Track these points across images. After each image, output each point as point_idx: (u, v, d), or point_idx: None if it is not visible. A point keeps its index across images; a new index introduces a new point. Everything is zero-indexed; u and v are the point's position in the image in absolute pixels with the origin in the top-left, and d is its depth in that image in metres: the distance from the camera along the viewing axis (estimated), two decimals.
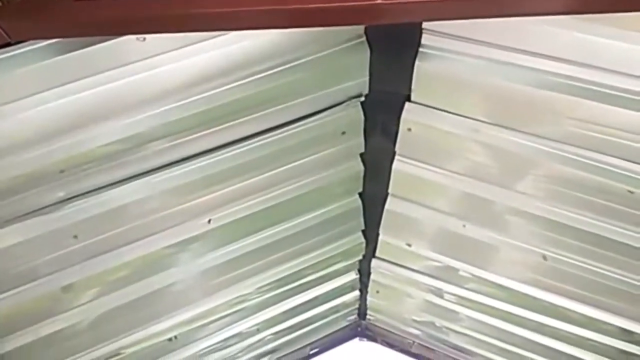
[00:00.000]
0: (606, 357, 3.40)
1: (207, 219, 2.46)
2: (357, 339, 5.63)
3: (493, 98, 2.03)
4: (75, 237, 2.17)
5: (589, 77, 1.77)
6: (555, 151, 2.10)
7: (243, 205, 2.50)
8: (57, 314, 2.53)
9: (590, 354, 3.46)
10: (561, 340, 3.46)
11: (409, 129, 2.32)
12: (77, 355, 2.90)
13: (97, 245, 2.26)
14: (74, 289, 2.46)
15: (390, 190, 2.79)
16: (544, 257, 2.70)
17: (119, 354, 3.22)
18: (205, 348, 3.85)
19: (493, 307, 3.43)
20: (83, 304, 2.56)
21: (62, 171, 1.89)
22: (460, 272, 3.24)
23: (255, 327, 3.98)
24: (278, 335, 4.38)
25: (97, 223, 2.16)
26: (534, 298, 3.04)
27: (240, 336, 3.99)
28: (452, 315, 3.93)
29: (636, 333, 2.89)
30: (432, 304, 3.87)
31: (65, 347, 2.80)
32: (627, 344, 3.12)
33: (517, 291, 3.07)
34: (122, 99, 1.74)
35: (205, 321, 3.46)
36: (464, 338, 4.24)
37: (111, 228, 2.22)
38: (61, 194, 1.99)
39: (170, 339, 3.48)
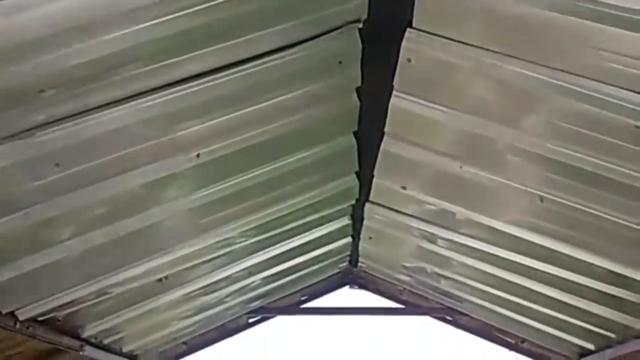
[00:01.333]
0: (598, 302, 3.42)
1: (195, 153, 2.36)
2: (347, 287, 5.69)
3: (503, 24, 1.91)
4: (57, 165, 2.07)
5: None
6: (562, 84, 1.99)
7: (232, 140, 2.40)
8: (41, 249, 2.46)
9: (582, 300, 3.48)
10: (553, 286, 3.46)
11: (409, 60, 2.20)
12: (63, 293, 2.87)
13: (81, 176, 2.16)
14: (56, 223, 2.38)
15: (386, 129, 2.69)
16: (541, 199, 2.64)
17: (106, 292, 3.19)
18: (196, 290, 3.84)
19: (486, 253, 3.41)
20: (67, 240, 2.49)
21: (41, 91, 1.77)
22: (456, 216, 3.18)
23: (246, 271, 3.97)
24: (269, 279, 4.38)
25: (80, 151, 2.06)
26: (528, 242, 3.00)
27: (231, 279, 3.98)
28: (444, 262, 3.92)
29: (629, 278, 2.88)
30: (425, 250, 3.85)
31: (50, 284, 2.75)
32: (619, 289, 3.12)
33: (511, 235, 3.03)
34: (100, 11, 1.60)
35: (195, 262, 3.42)
36: (456, 284, 4.25)
37: (95, 157, 2.12)
38: (41, 118, 1.88)
39: (159, 280, 3.45)
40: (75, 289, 2.89)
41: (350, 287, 5.60)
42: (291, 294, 5.04)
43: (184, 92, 2.01)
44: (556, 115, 2.19)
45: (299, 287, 4.98)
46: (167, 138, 2.19)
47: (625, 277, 2.93)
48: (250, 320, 5.34)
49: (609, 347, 4.00)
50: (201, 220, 2.90)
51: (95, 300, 3.22)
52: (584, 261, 2.94)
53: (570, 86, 1.98)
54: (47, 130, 1.92)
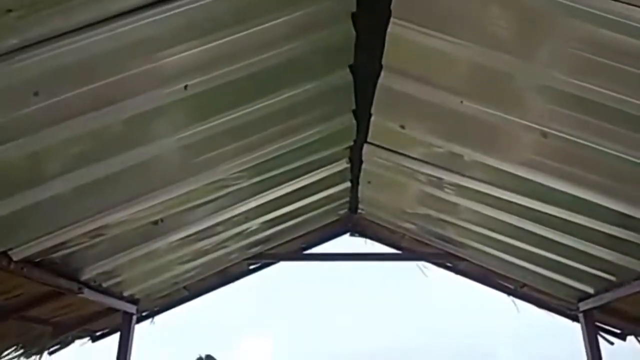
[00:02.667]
0: (600, 244, 3.37)
1: (183, 84, 2.25)
2: (348, 234, 5.68)
3: None
4: (37, 94, 1.97)
5: None
6: (571, 3, 1.86)
7: (220, 72, 2.28)
8: (28, 186, 2.39)
9: (584, 242, 3.43)
10: (555, 229, 3.41)
11: None
12: (55, 233, 2.82)
13: (63, 107, 2.07)
14: (41, 159, 2.30)
15: (384, 62, 2.57)
16: (544, 135, 2.54)
17: (101, 234, 3.16)
18: (193, 234, 3.81)
19: (488, 195, 3.32)
20: (54, 177, 2.41)
21: (9, 11, 1.66)
22: (457, 157, 3.09)
23: (244, 215, 3.92)
24: (268, 225, 4.34)
25: (60, 78, 1.96)
26: (532, 182, 2.91)
27: (229, 224, 3.94)
28: (445, 206, 3.86)
29: (634, 218, 2.81)
30: (426, 194, 3.78)
31: (42, 223, 2.71)
32: (622, 230, 3.06)
33: (514, 175, 2.94)
34: None
35: (190, 205, 3.37)
36: (457, 230, 4.21)
37: (76, 86, 2.02)
38: (14, 42, 1.77)
39: (155, 222, 3.41)
40: (68, 229, 2.84)
41: (351, 234, 5.59)
42: (291, 240, 5.03)
43: (166, 14, 1.89)
44: (564, 42, 2.05)
45: (299, 234, 4.96)
46: (153, 66, 2.08)
47: (630, 217, 2.86)
48: (252, 267, 5.38)
49: (607, 290, 4.00)
50: (193, 160, 2.82)
51: (90, 242, 3.19)
52: (588, 201, 2.87)
53: (579, 5, 1.85)
54: (23, 55, 1.81)
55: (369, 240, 5.57)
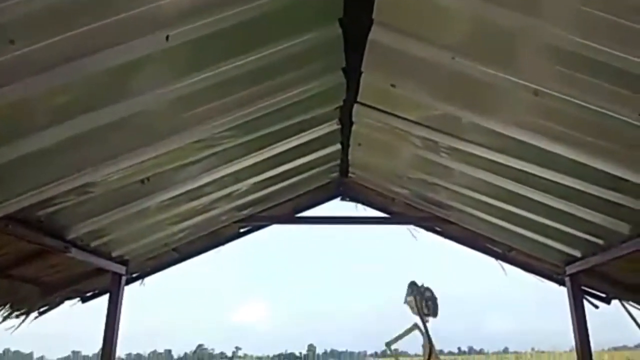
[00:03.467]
0: (590, 207, 3.38)
1: (164, 34, 2.18)
2: (338, 199, 5.66)
3: None
4: (12, 42, 1.90)
5: None
6: None
7: (204, 21, 2.21)
8: (6, 141, 2.33)
9: (573, 205, 3.43)
10: (546, 192, 3.40)
11: None
12: (39, 189, 2.76)
13: (42, 55, 1.99)
14: (21, 111, 2.24)
15: (375, 16, 2.49)
16: (538, 94, 2.49)
17: (87, 192, 3.12)
18: (182, 194, 3.77)
19: (479, 157, 3.29)
20: (35, 130, 2.35)
21: None
22: (449, 118, 3.04)
23: (233, 176, 3.88)
24: (258, 186, 4.31)
25: (38, 25, 1.88)
26: (523, 144, 2.89)
27: (217, 184, 3.90)
28: (434, 169, 3.84)
29: (624, 180, 2.80)
30: (416, 156, 3.75)
31: (24, 179, 2.65)
32: (612, 192, 3.06)
33: (508, 136, 2.90)
34: None
35: (178, 164, 3.32)
36: (447, 193, 4.19)
37: (53, 34, 1.94)
38: None
39: (142, 181, 3.37)
40: (52, 186, 2.78)
41: (342, 199, 5.57)
42: (282, 203, 5.01)
43: None
44: None
45: (290, 197, 4.94)
46: (132, 13, 2.00)
47: (621, 179, 2.85)
48: (242, 230, 5.36)
49: (594, 254, 4.03)
50: (180, 115, 2.76)
51: (76, 200, 3.16)
52: (581, 163, 2.85)
53: None
54: None
55: (360, 205, 5.56)
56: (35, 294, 4.53)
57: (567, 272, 4.45)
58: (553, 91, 2.45)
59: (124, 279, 4.63)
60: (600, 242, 3.80)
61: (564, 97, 2.44)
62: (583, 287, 4.71)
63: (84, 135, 2.52)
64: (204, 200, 4.07)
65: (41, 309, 4.86)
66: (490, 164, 3.36)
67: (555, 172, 3.12)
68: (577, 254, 4.18)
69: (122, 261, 4.49)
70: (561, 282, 4.81)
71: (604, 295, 4.89)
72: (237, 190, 4.17)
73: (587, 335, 4.47)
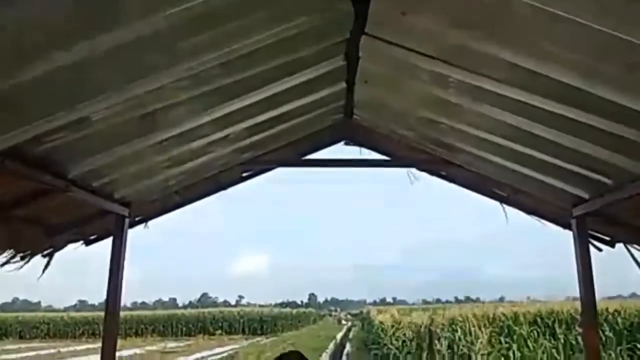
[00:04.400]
0: (600, 144, 3.29)
1: None
2: (342, 143, 5.57)
3: None
4: None
5: None
6: None
7: None
8: None
9: (582, 142, 3.34)
10: (556, 128, 3.30)
11: None
12: (34, 124, 2.67)
13: None
14: (12, 35, 2.12)
15: None
16: (556, 19, 2.35)
17: (85, 127, 3.03)
18: (182, 134, 3.68)
19: (493, 92, 3.17)
20: (27, 59, 2.24)
21: None
22: (459, 47, 2.91)
23: (233, 116, 3.77)
24: (259, 127, 4.20)
25: None
26: (541, 75, 2.75)
27: (218, 124, 3.80)
28: (445, 107, 3.73)
29: (635, 111, 2.70)
30: (425, 93, 3.63)
31: (17, 112, 2.56)
32: (624, 127, 2.96)
33: (523, 67, 2.77)
34: None
35: (179, 100, 3.21)
36: (454, 133, 4.10)
37: None
38: None
39: (143, 116, 3.27)
40: (48, 120, 2.69)
41: (346, 143, 5.48)
42: (284, 146, 4.93)
43: None
44: None
45: (292, 139, 4.85)
46: None
47: (635, 112, 2.75)
48: (244, 174, 5.30)
49: (602, 195, 3.98)
50: (178, 44, 2.63)
51: (74, 136, 3.07)
52: (593, 95, 2.74)
53: None
54: None
55: (364, 150, 5.47)
56: (39, 236, 4.52)
57: (574, 215, 4.41)
58: (573, 16, 2.31)
59: (127, 221, 4.61)
60: (609, 181, 3.74)
61: (583, 22, 2.30)
62: (589, 231, 4.68)
63: (80, 64, 2.41)
64: (204, 141, 3.98)
65: (45, 252, 4.87)
66: (501, 100, 3.24)
67: (565, 104, 3.01)
68: (585, 195, 4.13)
69: (125, 203, 4.45)
70: (566, 226, 4.79)
71: (608, 238, 4.87)
72: (237, 131, 4.07)
73: (592, 281, 4.47)
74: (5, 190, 3.51)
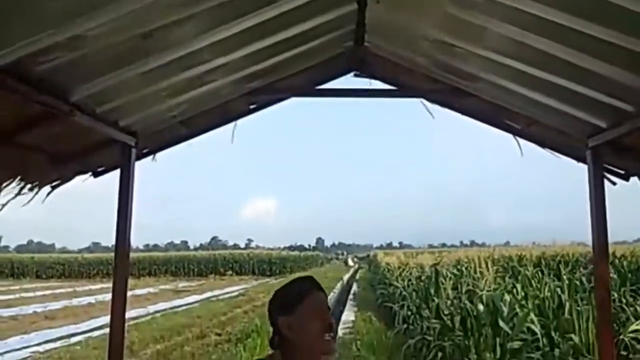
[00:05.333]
0: (622, 66, 3.13)
1: None
2: (351, 74, 5.39)
3: None
4: None
5: None
6: None
7: None
8: None
9: (604, 64, 3.18)
10: (576, 48, 3.14)
11: None
12: (30, 39, 2.56)
13: None
14: None
15: None
16: None
17: (84, 44, 2.91)
18: (185, 57, 3.54)
19: (518, 10, 2.98)
20: None
21: None
22: None
23: (237, 38, 3.61)
24: (265, 53, 4.04)
25: None
26: None
27: (222, 47, 3.65)
28: (465, 29, 3.54)
29: None
30: (443, 13, 3.44)
31: (10, 24, 2.44)
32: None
33: None
34: None
35: (181, 16, 3.06)
36: (475, 60, 3.91)
37: None
38: None
39: (144, 36, 3.14)
40: (45, 35, 2.58)
41: (355, 75, 5.31)
42: (291, 76, 4.78)
43: None
44: None
45: (300, 68, 4.69)
46: None
47: None
48: (252, 106, 5.18)
49: (620, 124, 3.84)
50: None
51: (74, 55, 2.96)
52: (618, 7, 2.56)
53: None
54: None
55: (373, 82, 5.30)
56: (45, 165, 4.49)
57: (589, 145, 4.29)
58: None
59: (134, 151, 4.55)
60: (630, 108, 3.59)
61: None
62: (604, 165, 4.57)
63: None
64: (208, 66, 3.85)
65: (53, 183, 4.86)
66: (524, 18, 3.06)
67: (588, 21, 2.83)
68: (603, 124, 3.99)
69: (131, 132, 4.38)
70: (581, 159, 4.68)
71: (623, 172, 4.77)
72: (242, 55, 3.91)
73: (605, 216, 4.37)
74: (9, 113, 3.44)
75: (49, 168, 4.57)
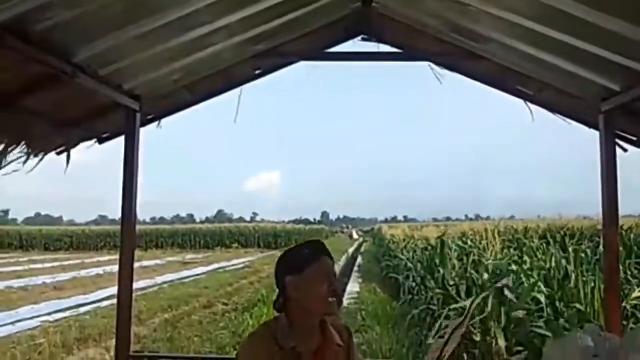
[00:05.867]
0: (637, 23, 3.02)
1: None
2: (359, 38, 5.27)
3: None
4: None
5: None
6: None
7: None
8: None
9: (619, 21, 3.07)
10: (602, 10, 3.02)
11: None
12: None
13: None
14: None
15: None
16: None
17: (75, 4, 2.83)
18: (187, 16, 3.46)
19: None
20: None
21: None
22: None
23: (240, 1, 3.52)
24: (268, 14, 3.93)
25: None
26: None
27: (225, 8, 3.56)
28: None
29: None
30: None
31: None
32: None
33: None
34: None
35: None
36: (487, 20, 3.80)
37: None
38: None
39: None
40: None
41: (363, 39, 5.18)
42: (299, 37, 4.67)
43: None
44: None
45: (305, 31, 4.59)
46: None
47: None
48: (257, 71, 5.09)
49: (635, 86, 3.74)
50: None
51: (73, 12, 2.89)
52: None
53: None
54: None
55: (381, 46, 5.18)
56: (49, 130, 4.46)
57: (602, 110, 4.20)
58: None
59: (138, 116, 4.50)
60: None
61: None
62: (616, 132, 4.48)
63: None
64: (209, 28, 3.75)
65: (58, 149, 4.83)
66: None
67: None
68: (616, 87, 3.89)
69: (134, 96, 4.33)
70: (592, 124, 4.59)
71: (635, 138, 4.68)
72: (244, 16, 3.80)
73: (616, 182, 4.29)
74: (11, 74, 3.39)
75: (53, 133, 4.54)
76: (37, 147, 4.59)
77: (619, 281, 4.49)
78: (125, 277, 4.52)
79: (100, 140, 5.06)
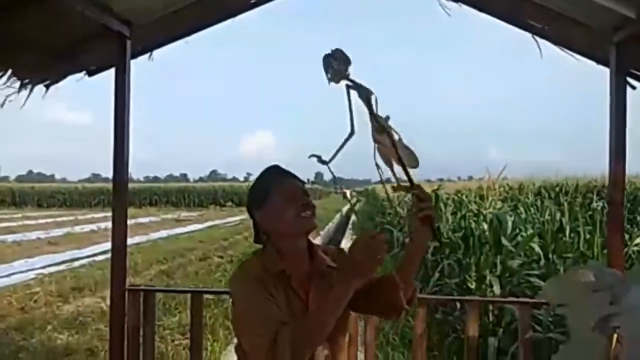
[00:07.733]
0: None
1: None
2: None
3: None
4: None
5: None
6: None
7: None
8: None
9: None
10: None
11: None
12: None
13: None
14: None
15: None
16: None
17: None
18: None
19: None
20: None
21: None
22: None
23: None
24: None
25: None
26: None
27: None
28: None
29: None
30: None
31: None
32: None
33: None
34: None
35: None
36: None
37: None
38: None
39: None
40: None
41: None
42: None
43: None
44: None
45: None
46: None
47: None
48: (253, 0, 4.85)
49: None
50: None
51: None
52: None
53: None
54: None
55: None
56: (37, 59, 4.26)
57: (614, 40, 4.03)
58: None
59: (128, 44, 4.28)
60: None
61: None
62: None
63: None
64: None
65: (47, 82, 4.64)
66: None
67: None
68: (631, 13, 3.71)
69: (125, 20, 4.10)
70: (603, 61, 4.43)
71: None
72: None
73: (624, 123, 4.13)
74: None
75: (41, 63, 4.34)
76: (25, 78, 4.40)
77: (623, 223, 4.42)
78: (120, 226, 4.22)
79: (90, 73, 4.85)
